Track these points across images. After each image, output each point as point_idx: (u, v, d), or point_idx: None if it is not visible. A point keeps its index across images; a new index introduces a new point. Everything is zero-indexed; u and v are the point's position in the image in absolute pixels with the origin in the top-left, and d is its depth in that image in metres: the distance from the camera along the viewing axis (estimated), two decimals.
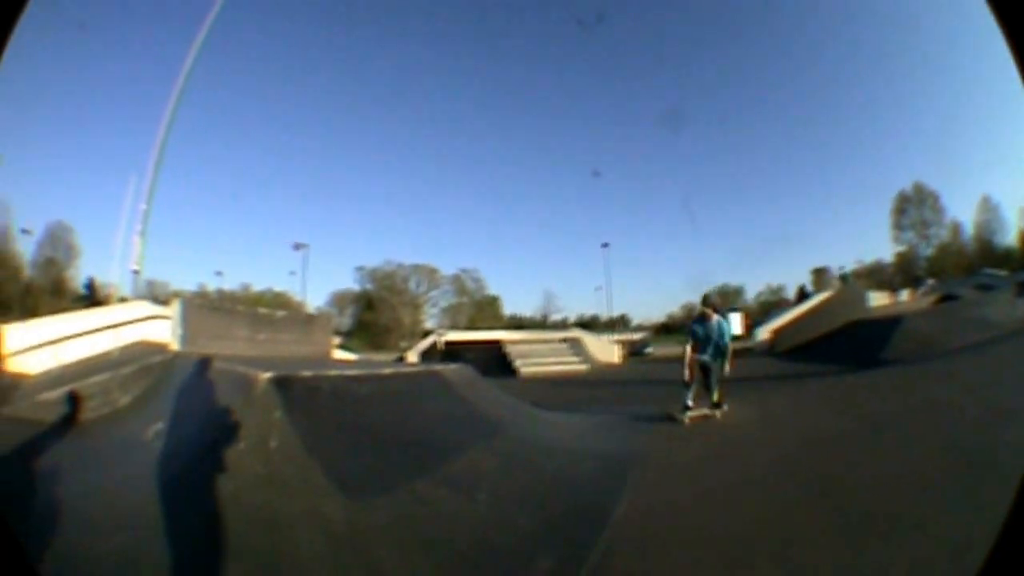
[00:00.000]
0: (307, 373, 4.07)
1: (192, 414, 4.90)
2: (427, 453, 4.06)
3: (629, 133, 75.56)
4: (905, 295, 32.46)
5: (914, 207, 52.42)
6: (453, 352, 24.33)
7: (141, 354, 9.28)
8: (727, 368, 7.24)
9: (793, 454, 4.98)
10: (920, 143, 62.26)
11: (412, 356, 26.22)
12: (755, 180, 71.19)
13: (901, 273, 49.96)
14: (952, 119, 58.28)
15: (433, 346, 27.50)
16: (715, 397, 7.39)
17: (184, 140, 64.58)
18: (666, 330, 51.85)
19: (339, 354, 14.16)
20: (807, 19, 65.81)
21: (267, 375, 4.00)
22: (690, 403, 7.29)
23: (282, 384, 3.97)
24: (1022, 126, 48.02)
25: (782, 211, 69.86)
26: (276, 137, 75.89)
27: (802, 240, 72.14)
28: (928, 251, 51.70)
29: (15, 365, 10.57)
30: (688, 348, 7.42)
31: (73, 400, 7.19)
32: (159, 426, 5.10)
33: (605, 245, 48.27)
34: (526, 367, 22.01)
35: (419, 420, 4.57)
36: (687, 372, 7.31)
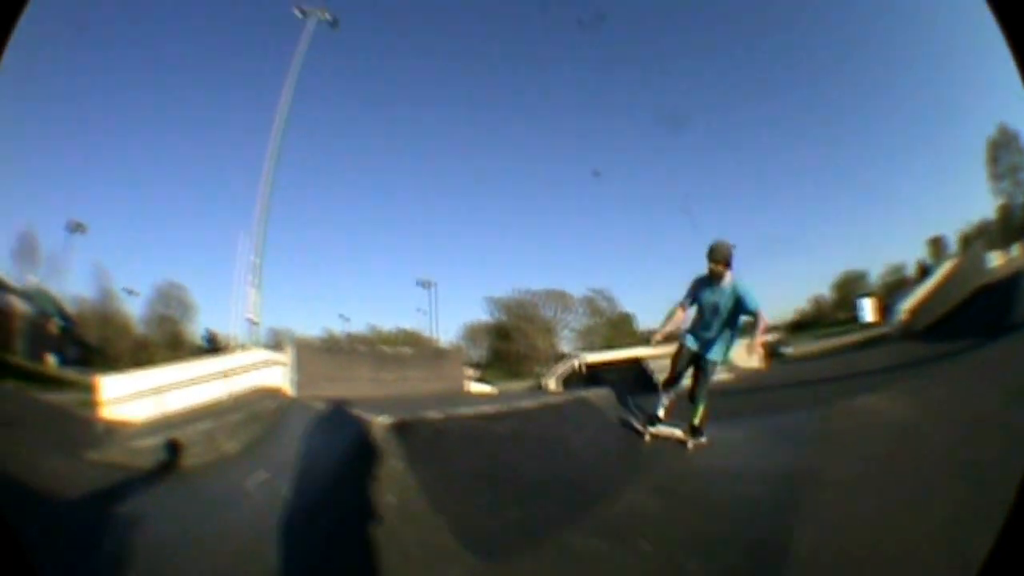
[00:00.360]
0: (433, 414, 3.44)
1: (299, 464, 4.43)
2: (578, 497, 3.37)
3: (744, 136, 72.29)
4: (1016, 249, 29.37)
5: (1005, 152, 47.66)
6: (594, 374, 23.61)
7: (254, 400, 9.24)
8: (759, 344, 5.07)
9: None
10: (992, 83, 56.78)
11: (551, 382, 25.64)
12: (835, 158, 66.77)
13: (1006, 227, 45.48)
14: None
15: (573, 370, 26.79)
16: (696, 418, 5.19)
17: (292, 188, 67.74)
18: (798, 327, 48.87)
19: (475, 387, 13.67)
20: None
21: (385, 419, 3.43)
22: (660, 413, 5.34)
23: (403, 429, 3.37)
24: None
25: (871, 187, 64.96)
26: (385, 176, 77.71)
27: (901, 212, 67.08)
28: (1022, 198, 47.00)
29: (114, 413, 10.79)
30: (676, 313, 5.20)
31: (172, 447, 7.03)
32: (261, 476, 4.68)
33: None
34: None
35: (567, 458, 3.84)
36: (657, 335, 5.28)
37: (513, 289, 51.23)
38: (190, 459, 6.92)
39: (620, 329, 49.71)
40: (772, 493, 3.81)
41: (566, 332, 50.57)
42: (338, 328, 48.93)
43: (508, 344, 48.12)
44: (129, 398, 11.02)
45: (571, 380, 25.58)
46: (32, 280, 33.40)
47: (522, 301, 49.98)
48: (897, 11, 59.88)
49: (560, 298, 50.73)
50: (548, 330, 49.36)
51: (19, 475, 5.13)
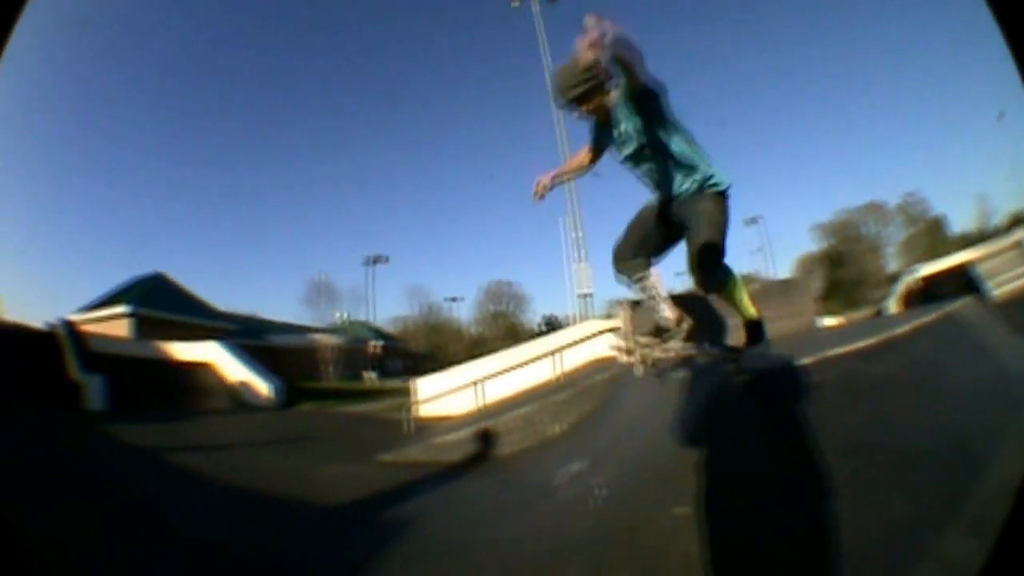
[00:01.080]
0: (803, 360, 2.48)
1: (622, 448, 3.89)
2: (962, 464, 2.11)
3: None
4: None
5: None
6: (929, 288, 20.38)
7: (585, 375, 9.06)
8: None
9: None
10: None
11: (893, 305, 22.84)
12: None
13: None
14: None
15: (908, 288, 23.52)
16: (748, 312, 2.94)
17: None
18: None
19: (826, 321, 12.13)
20: None
21: (739, 375, 2.62)
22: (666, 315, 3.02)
23: (765, 382, 2.50)
24: None
25: None
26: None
27: None
28: None
29: (429, 412, 11.53)
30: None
31: (482, 438, 7.09)
32: (573, 468, 4.19)
33: (1001, 116, 36.59)
34: (998, 288, 16.97)
35: (946, 402, 2.47)
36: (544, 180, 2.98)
37: (834, 211, 49.68)
38: (502, 448, 6.82)
39: (934, 236, 44.67)
40: None
41: (889, 249, 47.84)
42: (678, 286, 48.99)
43: (840, 271, 45.80)
44: (446, 394, 11.68)
45: (910, 299, 21.66)
46: (339, 316, 39.69)
47: (843, 222, 48.70)
48: None
49: (876, 210, 48.04)
50: (874, 249, 46.98)
51: (285, 488, 5.51)
